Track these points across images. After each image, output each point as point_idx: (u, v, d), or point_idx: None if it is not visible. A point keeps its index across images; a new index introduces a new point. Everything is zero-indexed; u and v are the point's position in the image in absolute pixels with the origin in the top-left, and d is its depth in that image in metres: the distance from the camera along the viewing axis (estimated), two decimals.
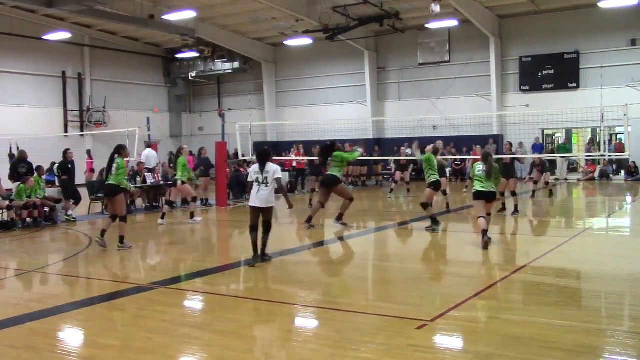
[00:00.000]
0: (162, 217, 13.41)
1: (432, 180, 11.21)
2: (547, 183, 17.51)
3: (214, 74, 31.73)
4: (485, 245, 9.26)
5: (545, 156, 18.68)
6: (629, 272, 7.67)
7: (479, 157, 10.89)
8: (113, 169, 9.96)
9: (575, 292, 6.98)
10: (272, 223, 8.52)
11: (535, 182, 17.14)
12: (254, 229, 8.42)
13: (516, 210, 13.50)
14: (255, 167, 8.54)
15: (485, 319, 5.83)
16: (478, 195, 9.80)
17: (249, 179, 8.57)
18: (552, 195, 17.26)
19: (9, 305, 6.70)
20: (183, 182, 13.44)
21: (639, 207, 16.04)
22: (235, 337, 5.36)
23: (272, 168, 8.39)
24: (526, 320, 5.60)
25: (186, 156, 13.98)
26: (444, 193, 14.48)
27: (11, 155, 19.39)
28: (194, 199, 14.09)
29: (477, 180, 9.83)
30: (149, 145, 18.92)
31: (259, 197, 8.30)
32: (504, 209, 13.78)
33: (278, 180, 8.39)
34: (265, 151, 8.68)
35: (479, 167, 9.87)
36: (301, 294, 7.20)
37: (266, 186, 8.28)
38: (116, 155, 10.08)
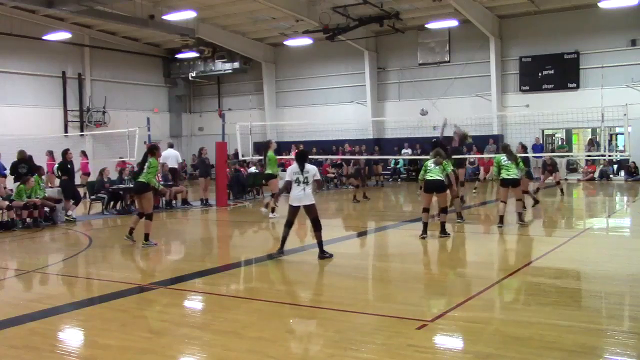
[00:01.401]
0: (272, 211, 13.65)
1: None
2: (558, 182, 17.85)
3: (214, 74, 31.71)
4: (499, 222, 11.21)
5: (553, 154, 18.80)
6: (629, 272, 7.67)
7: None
8: (145, 167, 10.25)
9: (575, 292, 6.98)
10: (319, 219, 8.84)
11: (543, 181, 17.71)
12: (289, 225, 8.92)
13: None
14: (294, 168, 8.81)
15: (485, 319, 5.82)
16: (504, 183, 11.38)
17: (287, 178, 8.89)
18: (563, 193, 17.69)
19: (9, 305, 6.71)
20: (275, 177, 13.78)
21: (639, 207, 16.04)
22: (235, 337, 5.36)
23: (312, 169, 8.84)
24: (526, 320, 5.59)
25: (273, 150, 14.27)
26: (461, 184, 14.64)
27: None
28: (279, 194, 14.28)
29: (504, 169, 11.35)
30: (171, 145, 18.99)
31: (302, 196, 8.70)
32: (536, 202, 14.52)
33: (318, 181, 8.93)
34: (304, 152, 9.20)
35: (504, 158, 11.43)
36: (301, 294, 7.21)
37: (307, 185, 8.72)
38: (149, 155, 10.38)
